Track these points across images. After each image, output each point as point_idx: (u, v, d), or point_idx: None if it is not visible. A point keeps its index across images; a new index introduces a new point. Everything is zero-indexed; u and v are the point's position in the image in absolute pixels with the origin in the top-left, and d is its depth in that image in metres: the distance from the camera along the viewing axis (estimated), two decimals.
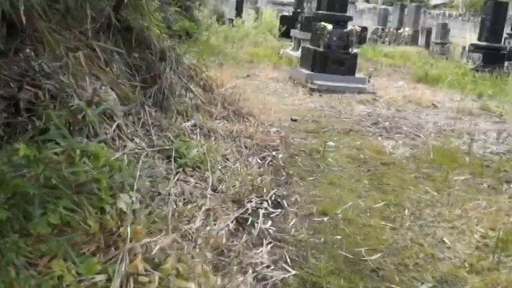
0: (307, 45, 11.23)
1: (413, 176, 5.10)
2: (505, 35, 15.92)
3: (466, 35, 23.95)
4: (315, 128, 6.90)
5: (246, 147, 5.40)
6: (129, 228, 2.66)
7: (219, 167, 4.66)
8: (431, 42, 22.78)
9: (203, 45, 14.53)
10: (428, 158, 5.61)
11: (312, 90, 9.66)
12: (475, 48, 13.51)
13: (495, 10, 12.86)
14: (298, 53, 13.02)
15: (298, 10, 21.64)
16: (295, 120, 7.21)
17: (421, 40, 23.58)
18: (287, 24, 19.45)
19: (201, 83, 7.68)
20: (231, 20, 22.03)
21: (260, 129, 6.26)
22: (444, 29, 22.54)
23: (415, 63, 17.83)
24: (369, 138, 6.51)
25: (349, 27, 10.49)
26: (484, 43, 13.06)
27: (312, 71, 10.28)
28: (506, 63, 13.19)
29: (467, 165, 5.51)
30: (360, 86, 10.08)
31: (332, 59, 10.22)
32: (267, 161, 5.16)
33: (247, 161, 5.03)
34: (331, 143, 6.13)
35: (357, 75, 10.69)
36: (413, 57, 19.16)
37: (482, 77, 12.50)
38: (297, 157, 5.44)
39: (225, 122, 6.16)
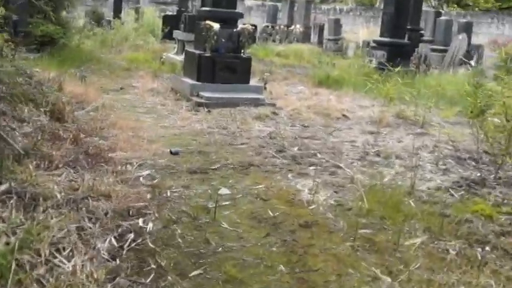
0: (191, 49, 9.37)
1: (350, 246, 3.42)
2: None
3: (358, 30, 23.19)
4: (202, 164, 5.08)
5: (95, 219, 3.47)
6: None
7: (38, 274, 2.73)
8: (324, 39, 21.77)
9: (73, 52, 12.30)
10: (362, 208, 3.97)
11: (199, 105, 7.83)
12: (378, 44, 12.29)
13: (398, 3, 11.69)
14: (183, 57, 11.14)
15: (183, 9, 19.78)
16: (175, 154, 5.35)
17: (314, 37, 22.47)
18: (171, 24, 17.47)
19: (48, 108, 5.64)
20: (109, 22, 19.70)
21: (123, 177, 4.35)
22: (337, 25, 21.60)
23: (310, 61, 16.62)
24: (276, 177, 4.79)
25: (240, 26, 8.75)
26: (387, 39, 11.86)
27: (198, 80, 8.44)
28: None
29: (417, 216, 3.92)
30: (256, 96, 8.38)
31: (221, 65, 8.44)
32: (127, 243, 3.27)
33: (94, 249, 3.12)
34: (224, 191, 4.34)
35: (252, 82, 8.98)
36: (307, 55, 17.94)
37: (389, 77, 11.28)
38: (175, 226, 3.59)
39: (70, 171, 4.18)
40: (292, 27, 23.25)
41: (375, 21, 24.36)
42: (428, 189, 4.61)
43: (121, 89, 9.30)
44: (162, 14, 20.78)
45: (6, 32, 7.67)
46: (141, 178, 4.47)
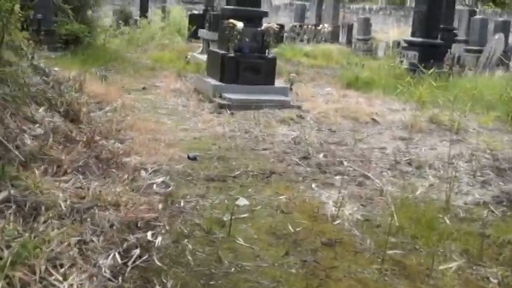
0: (215, 48, 9.09)
1: (377, 269, 3.08)
2: None
3: (388, 30, 22.66)
4: (221, 171, 4.78)
5: (100, 232, 3.20)
6: None
7: None
8: (353, 39, 21.32)
9: (97, 51, 12.15)
10: (391, 225, 3.61)
11: (221, 106, 7.54)
12: (409, 45, 11.84)
13: (430, 1, 11.21)
14: None
15: (209, 8, 19.55)
16: (193, 159, 5.06)
17: (342, 37, 22.04)
18: (197, 24, 17.28)
19: (62, 109, 5.41)
20: (136, 21, 19.60)
21: (135, 185, 4.08)
22: (367, 24, 21.12)
23: (338, 62, 16.23)
24: (299, 188, 4.46)
25: (265, 25, 8.44)
26: (419, 39, 11.39)
27: (221, 81, 8.16)
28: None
29: (452, 236, 3.56)
30: (282, 98, 8.06)
31: (245, 65, 8.14)
32: (132, 259, 2.99)
33: (95, 266, 2.85)
34: (243, 201, 4.03)
35: (277, 83, 8.66)
36: (336, 55, 17.53)
37: (421, 79, 10.84)
38: (186, 241, 3.30)
39: (79, 177, 3.93)
40: (320, 26, 22.86)
41: (406, 21, 23.79)
42: (466, 204, 4.23)
43: (143, 88, 9.08)
44: (189, 13, 20.59)
45: (27, 30, 7.53)
46: (154, 185, 4.19)
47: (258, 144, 5.84)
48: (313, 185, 4.54)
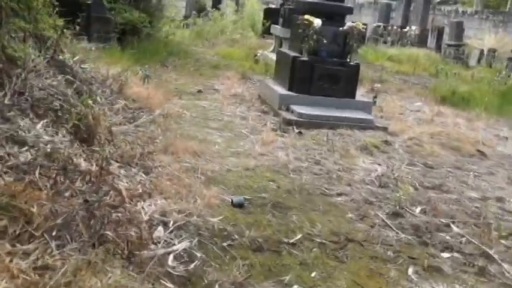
0: (286, 49, 7.62)
1: None
2: None
3: (483, 36, 20.37)
4: (275, 231, 3.31)
5: None
6: None
7: None
8: (443, 44, 19.25)
9: (158, 44, 10.96)
10: None
11: (288, 123, 6.07)
12: None
13: None
14: None
15: (287, 2, 18.10)
16: (239, 206, 3.64)
17: (431, 41, 19.99)
18: (272, 19, 15.83)
19: (71, 123, 4.12)
20: (207, 13, 18.46)
21: (139, 258, 2.69)
22: (459, 29, 18.97)
23: (426, 69, 14.41)
24: (388, 274, 2.93)
25: (348, 24, 6.87)
26: None
27: (290, 90, 6.68)
28: None
29: None
30: (363, 116, 6.47)
31: (320, 72, 6.62)
32: None
33: None
34: None
35: (358, 95, 7.07)
36: (423, 62, 15.68)
37: None
38: None
39: (52, 246, 2.57)
40: (407, 28, 20.94)
41: (505, 27, 21.41)
42: None
43: (199, 92, 7.74)
44: (265, 7, 19.21)
45: (67, 16, 6.34)
46: (169, 259, 2.78)
47: (331, 184, 4.32)
48: (410, 270, 3.00)
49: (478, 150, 6.03)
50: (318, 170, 4.65)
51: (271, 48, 12.41)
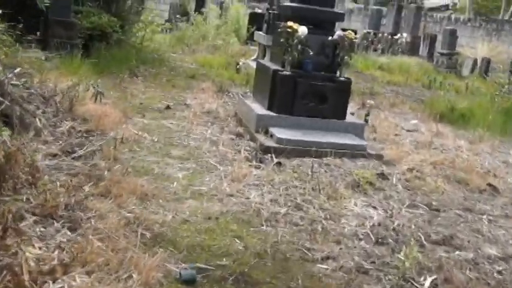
0: (266, 61, 6.68)
1: None
2: None
3: (476, 45, 19.59)
4: None
5: None
6: None
7: None
8: (435, 53, 18.46)
9: (130, 51, 9.98)
10: None
11: (265, 150, 5.12)
12: None
13: None
14: None
15: (273, 7, 17.19)
16: (188, 283, 2.68)
17: (423, 49, 19.20)
18: (258, 24, 14.90)
19: None
20: (189, 17, 17.53)
21: None
22: (452, 37, 18.18)
23: (419, 79, 13.62)
24: None
25: (338, 32, 5.93)
26: None
27: (269, 109, 5.74)
28: None
29: None
30: (355, 142, 5.52)
31: (305, 89, 5.68)
32: None
33: None
34: None
35: (349, 116, 6.13)
36: (415, 71, 14.92)
37: None
38: None
39: None
40: (398, 36, 20.13)
41: (498, 36, 20.68)
42: None
43: (167, 108, 6.78)
44: (250, 11, 18.27)
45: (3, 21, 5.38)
46: None
47: (315, 240, 3.37)
48: None
49: (489, 184, 5.12)
50: (299, 218, 3.70)
51: (255, 56, 11.49)
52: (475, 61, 17.38)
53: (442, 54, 17.95)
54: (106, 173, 3.94)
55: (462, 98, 9.59)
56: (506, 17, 21.31)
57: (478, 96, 10.08)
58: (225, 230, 3.38)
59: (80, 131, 4.98)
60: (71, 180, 3.58)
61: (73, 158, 4.06)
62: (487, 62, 16.99)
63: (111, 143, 4.64)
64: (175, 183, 4.10)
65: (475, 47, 19.81)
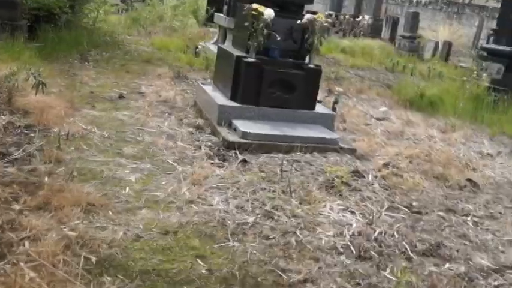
0: (228, 46, 6.16)
1: None
2: None
3: (438, 28, 19.46)
4: None
5: None
6: None
7: None
8: (397, 36, 18.23)
9: (81, 33, 9.29)
10: None
11: (229, 146, 4.64)
12: (490, 54, 8.75)
13: None
14: None
15: None
16: None
17: (385, 32, 18.98)
18: (217, 5, 14.28)
19: None
20: None
21: None
22: (415, 20, 17.95)
23: (382, 62, 13.35)
24: None
25: (307, 16, 5.47)
26: (508, 48, 8.32)
27: (233, 99, 5.24)
28: None
29: None
30: (326, 135, 5.09)
31: (272, 77, 5.20)
32: None
33: None
34: None
35: (318, 106, 5.68)
36: (378, 54, 14.64)
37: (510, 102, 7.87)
38: None
39: None
40: (360, 18, 19.87)
41: (459, 19, 20.60)
42: None
43: (120, 97, 6.20)
44: None
45: None
46: None
47: (290, 258, 2.93)
48: None
49: (469, 180, 4.78)
50: (270, 229, 3.24)
51: (214, 39, 10.93)
52: (437, 44, 17.22)
53: (404, 37, 17.71)
54: (46, 179, 3.40)
55: (430, 84, 9.29)
56: (467, 1, 21.23)
57: (445, 82, 9.81)
58: (185, 247, 2.90)
59: (19, 126, 4.40)
60: (3, 191, 3.04)
61: (7, 162, 3.50)
62: (449, 45, 16.85)
63: (54, 141, 4.08)
64: (127, 188, 3.58)
65: (436, 30, 19.69)
